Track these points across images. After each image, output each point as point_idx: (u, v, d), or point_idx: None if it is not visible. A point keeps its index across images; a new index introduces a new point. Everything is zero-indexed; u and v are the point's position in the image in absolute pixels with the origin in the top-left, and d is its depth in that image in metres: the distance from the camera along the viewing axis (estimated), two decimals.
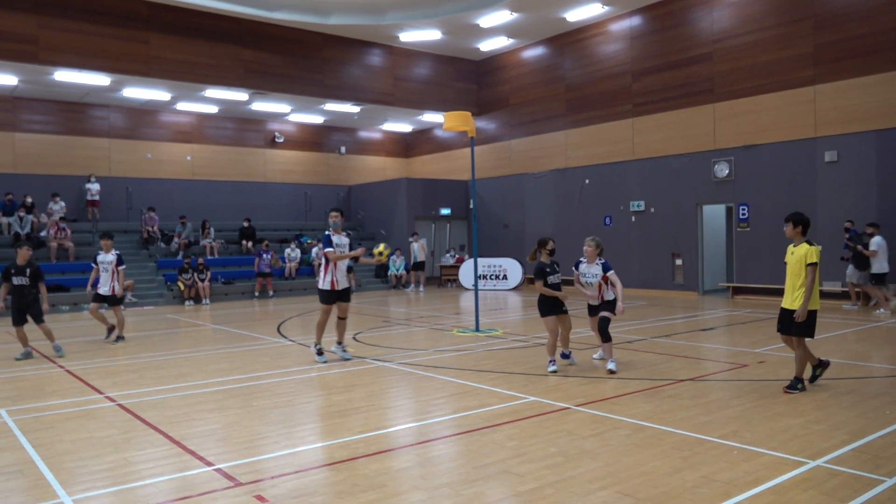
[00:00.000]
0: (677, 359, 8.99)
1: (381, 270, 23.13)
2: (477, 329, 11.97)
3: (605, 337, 8.12)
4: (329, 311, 9.13)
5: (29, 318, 10.02)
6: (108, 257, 11.68)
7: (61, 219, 19.47)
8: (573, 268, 8.63)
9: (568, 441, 5.38)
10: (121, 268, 11.73)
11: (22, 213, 19.18)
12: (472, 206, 13.60)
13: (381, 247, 9.35)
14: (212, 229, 21.86)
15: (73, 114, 21.58)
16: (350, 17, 20.08)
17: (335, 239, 9.10)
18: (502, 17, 20.13)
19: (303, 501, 4.26)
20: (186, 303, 18.61)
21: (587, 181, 20.97)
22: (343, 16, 20.01)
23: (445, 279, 23.98)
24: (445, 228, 25.38)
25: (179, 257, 20.03)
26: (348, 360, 9.17)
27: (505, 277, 21.94)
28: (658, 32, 19.48)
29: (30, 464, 5.08)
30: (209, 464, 5.00)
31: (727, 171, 17.60)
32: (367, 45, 22.38)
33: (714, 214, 19.04)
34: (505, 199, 23.65)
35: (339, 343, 9.44)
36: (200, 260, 19.42)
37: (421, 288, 22.24)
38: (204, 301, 18.77)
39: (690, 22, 18.75)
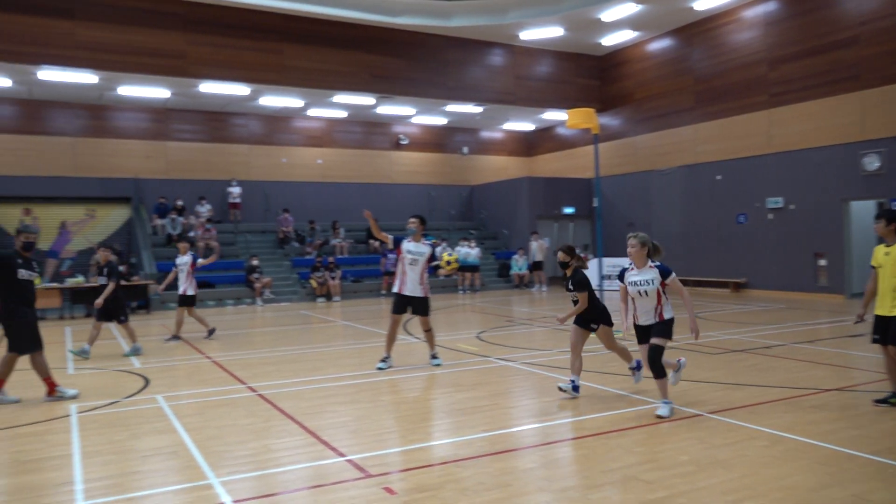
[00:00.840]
0: (821, 366, 8.39)
1: (504, 270, 23.18)
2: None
3: (658, 371, 6.12)
4: (394, 320, 8.86)
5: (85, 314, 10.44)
6: (184, 259, 12.14)
7: (207, 220, 21.02)
8: (618, 280, 6.54)
9: (700, 449, 5.17)
10: (199, 261, 12.24)
11: (174, 216, 20.85)
12: (595, 205, 13.34)
13: (445, 256, 8.88)
14: (341, 229, 22.79)
15: (217, 123, 23.18)
16: (471, 18, 20.27)
17: (406, 245, 8.87)
18: (626, 9, 19.59)
19: (429, 496, 4.36)
20: (318, 300, 19.51)
21: (719, 177, 19.99)
22: (465, 17, 20.24)
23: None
24: (568, 228, 25.04)
25: (312, 256, 21.02)
26: (438, 365, 9.00)
27: None
28: (797, 17, 18.23)
29: (182, 446, 5.52)
30: (341, 454, 5.22)
31: (878, 165, 16.19)
32: (488, 45, 22.49)
33: (863, 212, 17.58)
34: (630, 197, 23.01)
35: (432, 354, 9.12)
36: (331, 259, 20.33)
37: (544, 288, 22.08)
38: (335, 298, 19.60)
39: (833, 3, 17.40)
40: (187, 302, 12.03)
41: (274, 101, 21.70)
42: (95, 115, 21.33)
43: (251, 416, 6.50)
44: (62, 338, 12.89)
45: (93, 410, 6.82)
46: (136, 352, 10.43)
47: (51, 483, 4.74)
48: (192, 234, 20.65)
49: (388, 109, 23.44)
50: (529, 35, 21.82)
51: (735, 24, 19.85)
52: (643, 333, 6.31)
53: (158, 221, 21.01)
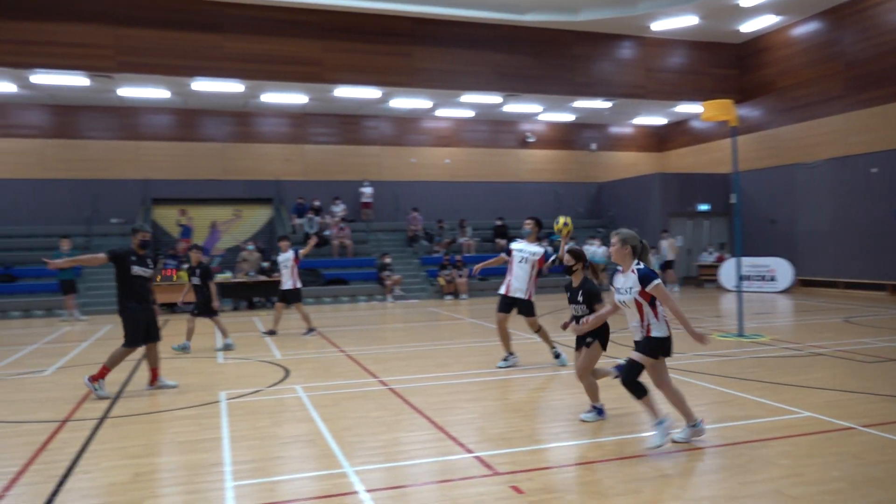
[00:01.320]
0: None
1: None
2: (741, 334, 11.12)
3: (635, 391, 5.21)
4: (499, 318, 8.80)
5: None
6: (286, 255, 12.48)
7: (341, 219, 21.96)
8: (610, 285, 5.69)
9: (853, 466, 4.78)
10: (300, 251, 12.54)
11: (311, 215, 21.94)
12: (733, 202, 12.64)
13: (561, 222, 8.10)
14: (468, 228, 23.05)
15: (350, 125, 24.14)
16: (600, 11, 19.83)
17: (516, 244, 8.81)
18: None
19: (558, 498, 4.32)
20: (446, 297, 19.84)
21: (874, 170, 18.34)
22: (593, 11, 19.83)
23: (703, 279, 22.61)
24: (703, 226, 23.91)
25: (440, 254, 21.39)
26: (563, 364, 8.86)
27: (773, 279, 20.06)
28: None
29: (319, 435, 5.80)
30: (469, 451, 5.28)
31: None
32: (617, 38, 21.90)
33: None
34: (771, 193, 21.61)
35: (553, 352, 8.94)
36: (458, 257, 20.62)
37: (676, 288, 21.23)
38: (462, 296, 19.85)
39: None
40: (294, 297, 12.46)
41: (404, 102, 22.28)
42: (241, 121, 22.87)
43: (382, 408, 6.73)
44: (211, 328, 13.90)
45: (239, 398, 7.31)
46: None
47: (204, 463, 5.13)
48: (327, 232, 21.62)
49: (514, 108, 23.42)
50: (661, 25, 21.03)
51: (891, 2, 18.13)
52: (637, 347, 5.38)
53: (297, 220, 22.18)
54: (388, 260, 20.08)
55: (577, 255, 6.41)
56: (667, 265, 21.44)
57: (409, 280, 20.70)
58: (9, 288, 17.85)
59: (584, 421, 6.08)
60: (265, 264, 18.66)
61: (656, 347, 5.24)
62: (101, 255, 7.55)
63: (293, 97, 21.07)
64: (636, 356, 5.25)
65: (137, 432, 6.08)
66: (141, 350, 7.91)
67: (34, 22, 16.81)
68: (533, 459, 5.12)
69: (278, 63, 18.72)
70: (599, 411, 6.16)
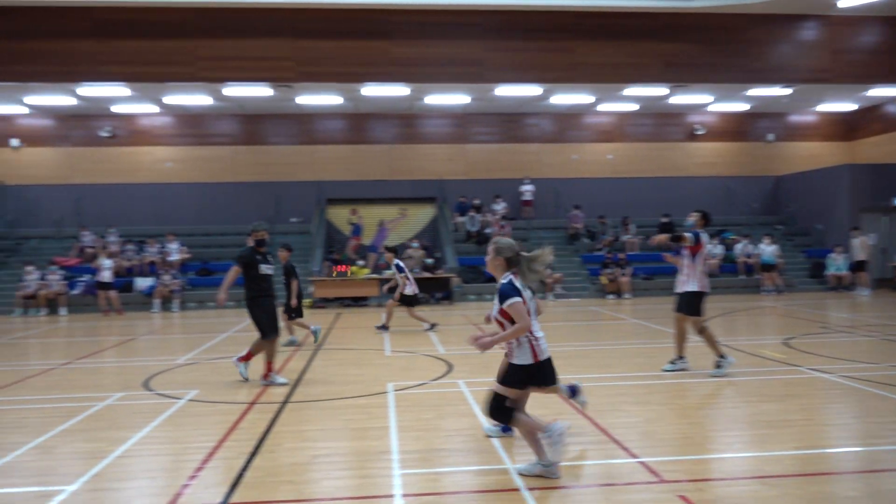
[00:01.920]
0: None
1: (817, 270, 20.67)
2: None
3: (498, 417, 4.82)
4: (674, 319, 8.47)
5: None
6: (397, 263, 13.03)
7: (502, 217, 22.15)
8: None
9: None
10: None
11: (472, 213, 22.35)
12: None
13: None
14: (632, 225, 22.34)
15: (510, 123, 24.27)
16: None
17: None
18: None
19: None
20: (608, 296, 19.37)
21: None
22: None
23: None
24: None
25: (602, 253, 20.93)
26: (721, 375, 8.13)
27: None
28: None
29: (480, 430, 5.89)
30: (633, 455, 5.14)
31: None
32: (798, 18, 20.15)
33: None
34: None
35: (718, 358, 8.21)
36: (622, 255, 20.06)
37: (866, 291, 19.22)
38: (625, 295, 19.30)
39: None
40: (409, 301, 13.03)
41: (565, 98, 22.02)
42: (406, 123, 23.77)
43: (543, 407, 6.70)
44: (380, 322, 14.59)
45: (405, 390, 7.62)
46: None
47: (373, 450, 5.41)
48: (488, 230, 21.89)
49: (682, 99, 22.35)
50: (850, 1, 19.09)
51: None
52: None
53: (459, 219, 22.67)
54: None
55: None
56: (858, 266, 19.53)
57: (570, 278, 20.44)
58: (206, 281, 19.84)
59: (487, 436, 5.58)
60: (429, 261, 19.26)
61: (514, 375, 4.74)
62: (235, 268, 8.04)
63: (455, 98, 21.54)
64: (496, 386, 4.82)
65: (314, 417, 6.53)
66: (309, 342, 8.44)
67: (226, 40, 18.52)
68: (703, 469, 4.89)
69: (441, 65, 19.23)
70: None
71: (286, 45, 18.74)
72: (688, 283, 8.19)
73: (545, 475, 4.67)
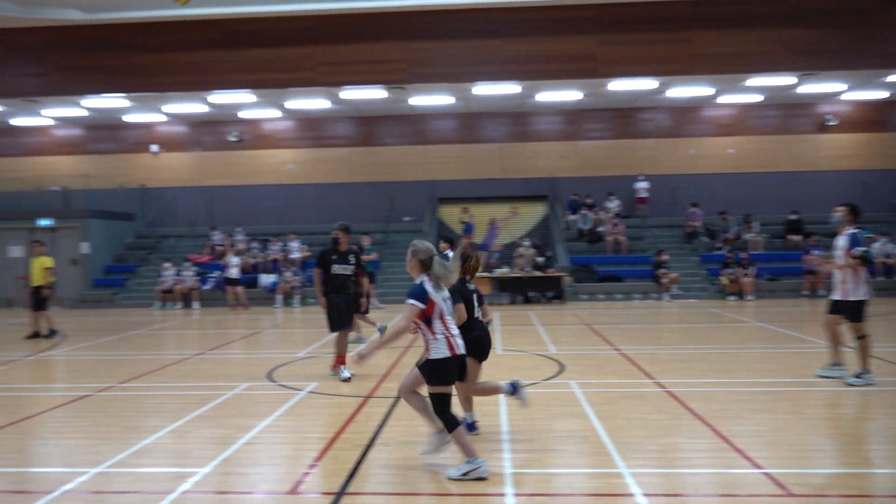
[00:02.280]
0: None
1: None
2: None
3: (446, 423, 4.86)
4: (824, 321, 7.83)
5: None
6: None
7: (616, 215, 21.64)
8: None
9: None
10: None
11: (584, 211, 21.98)
12: None
13: None
14: (756, 223, 21.19)
15: (624, 119, 23.64)
16: None
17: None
18: None
19: None
20: (729, 298, 18.47)
21: None
22: None
23: None
24: None
25: (723, 252, 20.00)
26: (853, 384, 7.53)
27: None
28: None
29: (593, 432, 5.80)
30: (757, 466, 4.88)
31: None
32: None
33: None
34: None
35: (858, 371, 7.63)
36: (744, 255, 19.08)
37: None
38: (747, 297, 18.34)
39: None
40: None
41: (682, 91, 21.19)
42: (517, 121, 23.69)
43: (659, 411, 6.51)
44: (509, 323, 14.66)
45: None
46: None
47: (484, 448, 5.43)
48: (601, 228, 21.46)
49: (811, 88, 20.95)
50: None
51: None
52: None
53: (571, 217, 22.35)
54: (664, 257, 19.30)
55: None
56: None
57: (688, 278, 19.67)
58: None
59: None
60: (540, 260, 19.12)
61: (436, 371, 4.85)
62: (316, 269, 8.68)
63: (567, 94, 21.23)
64: (428, 388, 4.92)
65: None
66: (408, 338, 8.58)
67: (344, 45, 19.18)
68: (836, 484, 4.58)
69: (553, 61, 19.01)
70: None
71: (399, 48, 19.16)
72: (855, 290, 7.50)
73: (439, 444, 4.97)
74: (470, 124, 23.78)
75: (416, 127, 23.90)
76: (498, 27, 18.98)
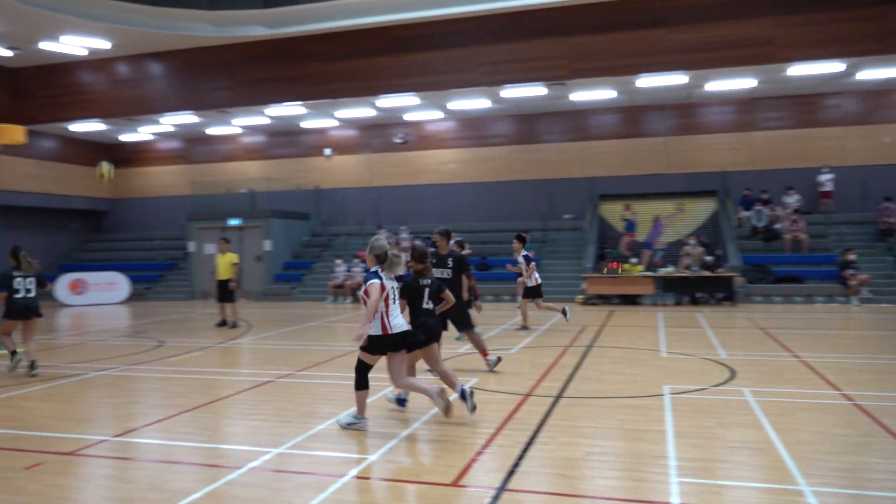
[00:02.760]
0: None
1: None
2: None
3: (356, 382, 6.14)
4: None
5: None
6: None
7: (794, 211, 19.99)
8: None
9: None
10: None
11: (759, 207, 20.51)
12: None
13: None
14: None
15: (805, 106, 21.74)
16: None
17: None
18: None
19: None
20: None
21: None
22: None
23: None
24: None
25: None
26: None
27: None
28: None
29: (770, 444, 5.42)
30: None
31: None
32: None
33: None
34: None
35: None
36: None
37: None
38: None
39: None
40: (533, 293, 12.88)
41: (875, 73, 19.10)
42: (684, 113, 22.57)
43: (847, 426, 5.95)
44: (655, 322, 14.12)
45: (683, 394, 7.28)
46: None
47: (648, 454, 5.27)
48: (777, 226, 19.94)
49: None
50: None
51: None
52: None
53: (744, 213, 20.97)
54: (852, 256, 17.55)
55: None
56: None
57: (880, 280, 17.74)
58: (484, 275, 20.97)
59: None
60: (708, 259, 18.14)
61: (369, 343, 6.00)
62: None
63: (740, 82, 19.90)
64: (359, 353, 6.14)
65: (587, 414, 6.55)
66: (568, 337, 8.43)
67: (503, 44, 19.34)
68: None
69: (724, 48, 17.92)
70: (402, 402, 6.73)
71: (560, 44, 18.98)
72: None
73: (356, 427, 6.07)
74: (633, 118, 23.03)
75: (577, 123, 23.53)
76: (664, 16, 18.25)
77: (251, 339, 12.86)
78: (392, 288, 6.07)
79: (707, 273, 17.64)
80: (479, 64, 19.58)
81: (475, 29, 19.45)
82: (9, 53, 21.80)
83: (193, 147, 27.51)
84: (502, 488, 4.62)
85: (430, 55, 19.91)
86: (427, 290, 6.72)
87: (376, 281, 5.94)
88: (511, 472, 4.91)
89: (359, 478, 4.89)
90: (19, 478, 4.99)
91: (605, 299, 18.45)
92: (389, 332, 5.96)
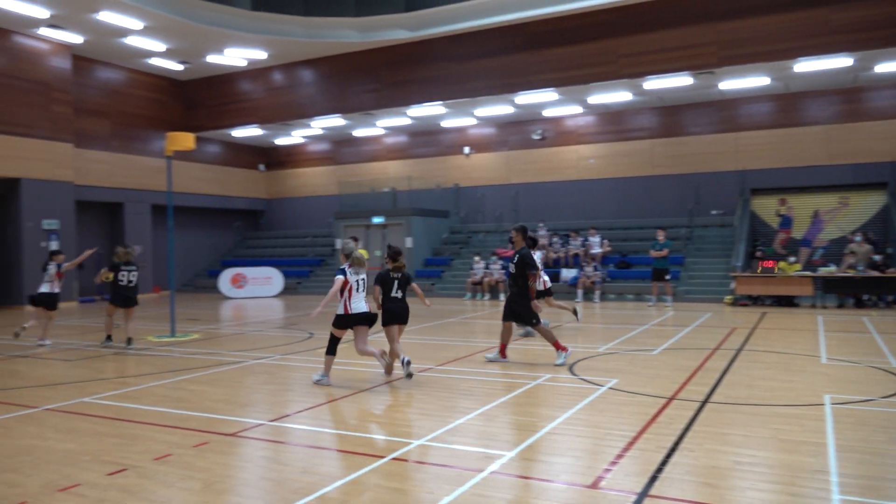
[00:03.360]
0: None
1: None
2: None
3: (329, 346, 8.22)
4: None
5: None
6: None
7: None
8: None
9: None
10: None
11: None
12: None
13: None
14: None
15: None
16: None
17: None
18: None
19: None
20: None
21: None
22: None
23: None
24: None
25: None
26: None
27: None
28: None
29: None
30: None
31: None
32: None
33: None
34: None
35: None
36: None
37: None
38: None
39: None
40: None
41: None
42: (848, 98, 20.71)
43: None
44: (814, 325, 13.10)
45: (847, 404, 6.71)
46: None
47: (806, 467, 4.91)
48: None
49: None
50: None
51: None
52: None
53: None
54: None
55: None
56: None
57: None
58: (624, 273, 20.40)
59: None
60: (877, 258, 16.56)
61: (335, 320, 8.02)
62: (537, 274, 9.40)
63: None
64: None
65: (737, 421, 6.20)
66: (714, 341, 7.99)
67: (646, 34, 18.70)
68: None
69: None
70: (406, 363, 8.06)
71: (707, 31, 18.07)
72: None
73: (323, 383, 8.07)
74: (789, 106, 21.45)
75: (726, 113, 22.28)
76: None
77: None
78: (356, 280, 7.95)
79: (875, 273, 16.13)
80: (620, 56, 19.07)
81: (615, 20, 18.95)
82: (180, 67, 23.98)
83: (340, 148, 28.87)
84: (644, 493, 4.48)
85: (569, 49, 19.63)
86: (396, 281, 8.37)
87: (341, 277, 7.88)
88: (653, 478, 4.76)
89: (496, 474, 4.93)
90: (189, 454, 5.48)
91: (755, 300, 17.35)
92: (350, 312, 7.93)
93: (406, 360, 8.01)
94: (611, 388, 7.63)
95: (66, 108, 21.42)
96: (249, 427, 6.30)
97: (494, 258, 21.42)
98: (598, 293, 19.45)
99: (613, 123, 23.81)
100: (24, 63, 20.19)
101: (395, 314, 8.34)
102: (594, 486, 4.66)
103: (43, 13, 18.39)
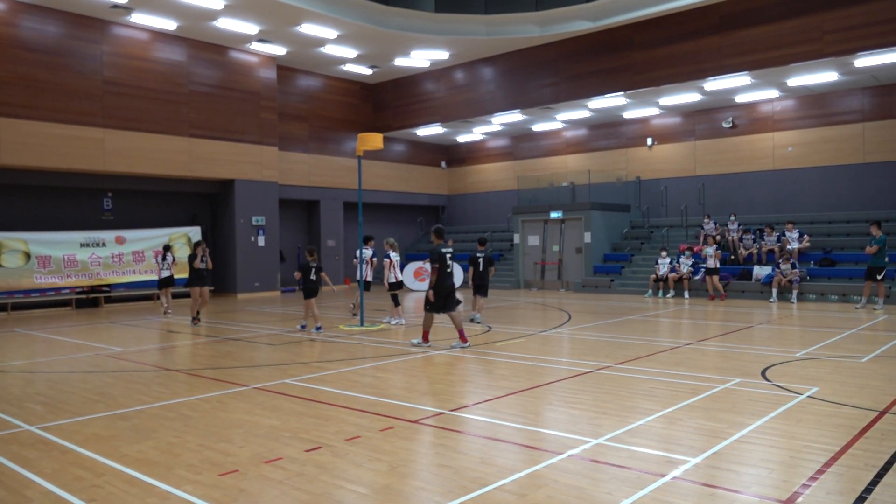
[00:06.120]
0: None
1: None
2: None
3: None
4: None
5: None
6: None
7: None
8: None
9: None
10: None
11: None
12: None
13: None
14: None
15: None
16: None
17: None
18: None
19: None
20: None
21: None
22: None
23: None
24: None
25: None
26: None
27: None
28: None
29: None
30: None
31: None
32: None
33: None
34: None
35: None
36: None
37: None
38: None
39: None
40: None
41: None
42: None
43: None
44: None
45: None
46: None
47: None
48: None
49: None
50: None
51: None
52: None
53: None
54: None
55: (311, 253, 13.24)
56: None
57: None
58: (828, 272, 18.57)
59: None
60: None
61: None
62: None
63: None
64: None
65: None
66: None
67: (856, 6, 16.82)
68: None
69: None
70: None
71: None
72: None
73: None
74: None
75: None
76: None
77: (571, 328, 13.19)
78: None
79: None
80: (825, 32, 17.34)
81: None
82: (369, 71, 25.42)
83: (519, 144, 29.03)
84: None
85: (766, 29, 18.18)
86: (313, 269, 12.97)
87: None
88: (861, 498, 4.31)
89: (678, 479, 4.73)
90: (376, 437, 5.83)
91: None
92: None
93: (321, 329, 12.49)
94: (810, 397, 7.00)
95: (272, 115, 23.55)
96: (430, 415, 6.56)
97: (685, 254, 20.31)
98: (794, 293, 17.85)
99: (816, 107, 21.68)
100: (238, 76, 22.49)
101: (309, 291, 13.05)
102: (790, 501, 4.31)
103: (253, 29, 20.34)
